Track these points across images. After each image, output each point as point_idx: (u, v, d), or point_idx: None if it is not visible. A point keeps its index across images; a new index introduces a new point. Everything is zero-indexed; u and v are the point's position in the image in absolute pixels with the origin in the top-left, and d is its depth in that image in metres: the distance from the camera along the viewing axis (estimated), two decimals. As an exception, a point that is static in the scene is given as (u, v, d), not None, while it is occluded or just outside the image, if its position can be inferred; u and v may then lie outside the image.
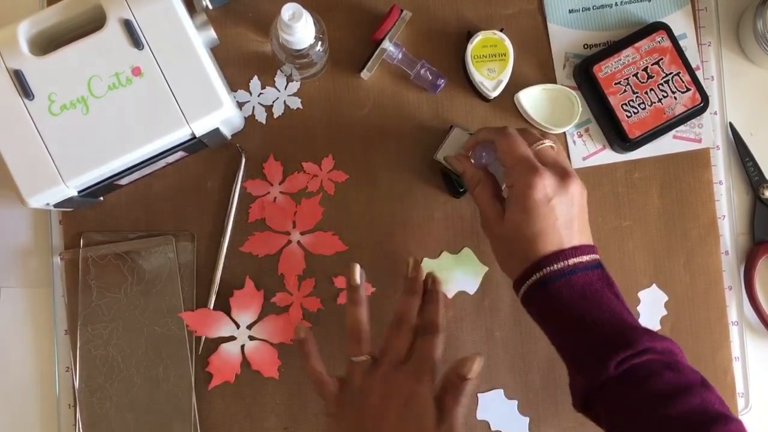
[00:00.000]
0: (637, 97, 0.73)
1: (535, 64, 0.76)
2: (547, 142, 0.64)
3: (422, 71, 0.73)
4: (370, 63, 0.73)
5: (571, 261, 0.59)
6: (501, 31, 0.73)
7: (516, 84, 0.75)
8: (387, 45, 0.72)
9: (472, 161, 0.67)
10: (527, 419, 0.74)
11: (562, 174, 0.61)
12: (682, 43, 0.74)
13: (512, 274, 0.62)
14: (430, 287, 0.68)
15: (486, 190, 0.65)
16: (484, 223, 0.65)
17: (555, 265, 0.59)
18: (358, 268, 0.66)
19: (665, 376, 0.55)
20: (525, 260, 0.60)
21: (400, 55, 0.73)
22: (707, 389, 0.56)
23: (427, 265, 0.74)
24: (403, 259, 0.69)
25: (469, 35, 0.73)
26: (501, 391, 0.74)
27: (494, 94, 0.73)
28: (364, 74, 0.74)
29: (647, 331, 0.58)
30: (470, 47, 0.73)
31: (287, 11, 0.63)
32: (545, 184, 0.60)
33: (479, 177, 0.66)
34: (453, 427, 0.60)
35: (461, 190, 0.73)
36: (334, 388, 0.64)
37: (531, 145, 0.63)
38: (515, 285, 0.62)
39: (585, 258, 0.59)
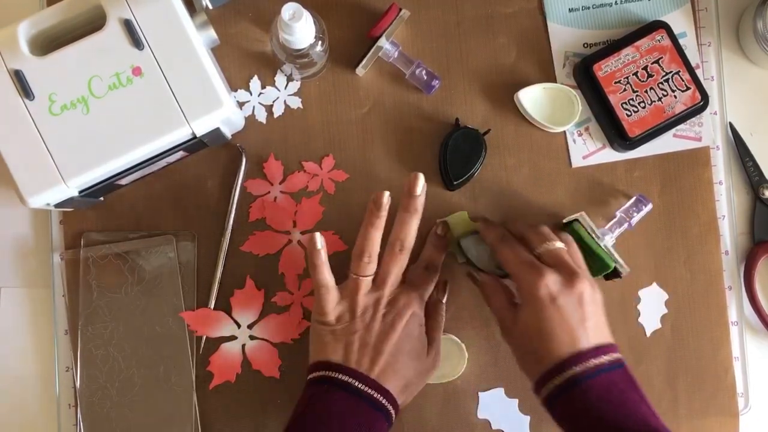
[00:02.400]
0: (636, 95, 0.73)
1: (535, 63, 0.76)
2: (557, 244, 0.64)
3: (417, 71, 0.73)
4: (365, 60, 0.73)
5: (591, 363, 0.59)
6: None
7: (516, 83, 0.75)
8: (383, 43, 0.72)
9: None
10: (528, 418, 0.74)
11: (568, 273, 0.61)
12: (681, 42, 0.74)
13: (531, 376, 0.62)
14: (440, 232, 0.71)
15: (499, 297, 0.66)
16: (501, 330, 0.66)
17: (575, 368, 0.59)
18: (387, 194, 0.65)
19: None
20: (541, 363, 0.60)
21: (396, 54, 0.73)
22: None
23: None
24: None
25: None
26: (501, 390, 0.74)
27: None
28: (359, 71, 0.74)
29: None
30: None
31: (287, 11, 0.63)
32: (548, 283, 0.61)
33: (493, 286, 0.67)
34: (437, 352, 0.67)
35: (455, 183, 0.73)
36: (336, 301, 0.65)
37: (538, 245, 0.65)
38: (535, 388, 0.62)
39: (605, 358, 0.59)
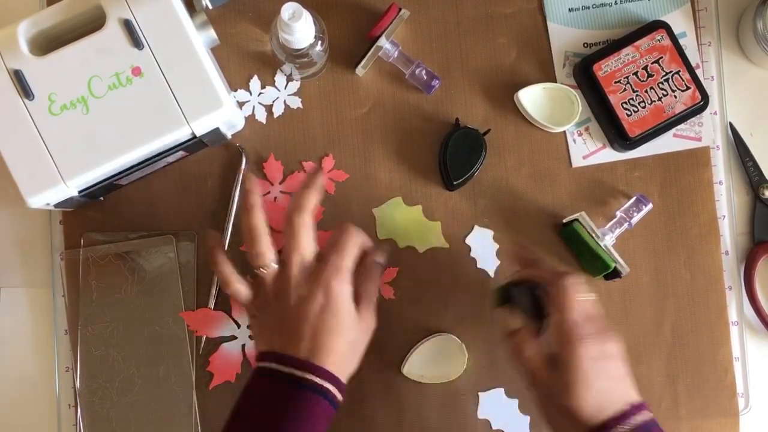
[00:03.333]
0: (636, 95, 0.73)
1: (535, 63, 0.76)
2: (592, 296, 0.62)
3: (417, 71, 0.73)
4: (365, 60, 0.73)
5: (639, 418, 0.58)
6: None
7: (516, 83, 0.75)
8: (383, 42, 0.72)
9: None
10: (528, 418, 0.74)
11: (606, 330, 0.60)
12: (681, 41, 0.74)
13: (564, 428, 0.60)
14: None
15: (533, 347, 0.62)
16: (532, 381, 0.62)
17: (624, 425, 0.57)
18: (253, 177, 0.64)
19: None
20: (581, 424, 0.58)
21: (396, 54, 0.73)
22: None
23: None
24: (405, 261, 0.69)
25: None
26: (502, 390, 0.74)
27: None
28: (359, 71, 0.74)
29: None
30: None
31: (287, 11, 0.63)
32: (589, 348, 0.59)
33: (524, 337, 0.63)
34: (371, 314, 0.64)
35: (455, 183, 0.73)
36: (248, 293, 0.64)
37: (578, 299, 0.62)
38: None
39: (642, 416, 0.58)
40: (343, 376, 0.62)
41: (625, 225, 0.72)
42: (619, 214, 0.73)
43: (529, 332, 0.63)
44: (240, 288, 0.64)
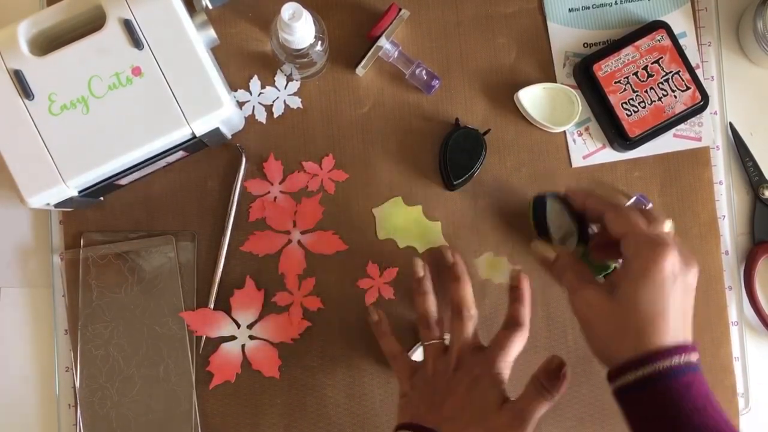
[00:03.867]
0: (637, 95, 0.73)
1: (535, 63, 0.76)
2: (669, 223, 0.59)
3: (417, 71, 0.73)
4: (365, 60, 0.73)
5: (693, 357, 0.54)
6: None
7: (516, 83, 0.75)
8: (383, 43, 0.72)
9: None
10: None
11: (687, 256, 0.56)
12: (681, 42, 0.74)
13: (616, 357, 0.55)
14: (514, 284, 0.67)
15: (582, 270, 0.60)
16: (580, 304, 0.58)
17: (674, 359, 0.53)
18: (420, 262, 0.69)
19: None
20: (640, 343, 0.54)
21: (396, 54, 0.73)
22: None
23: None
24: (412, 258, 0.70)
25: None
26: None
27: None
28: (359, 71, 0.74)
29: None
30: None
31: (287, 11, 0.63)
32: (675, 261, 0.54)
33: (569, 261, 0.61)
34: (517, 417, 0.59)
35: (455, 183, 0.73)
36: (409, 368, 0.67)
37: (651, 223, 0.58)
38: (616, 371, 0.55)
39: (695, 357, 0.54)
40: None
41: None
42: None
43: (570, 256, 0.61)
44: (406, 362, 0.68)
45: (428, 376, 0.65)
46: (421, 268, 0.69)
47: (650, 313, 0.54)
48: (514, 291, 0.67)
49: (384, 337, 0.70)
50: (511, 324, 0.65)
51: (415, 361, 0.68)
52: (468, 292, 0.67)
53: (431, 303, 0.68)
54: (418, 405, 0.64)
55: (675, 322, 0.54)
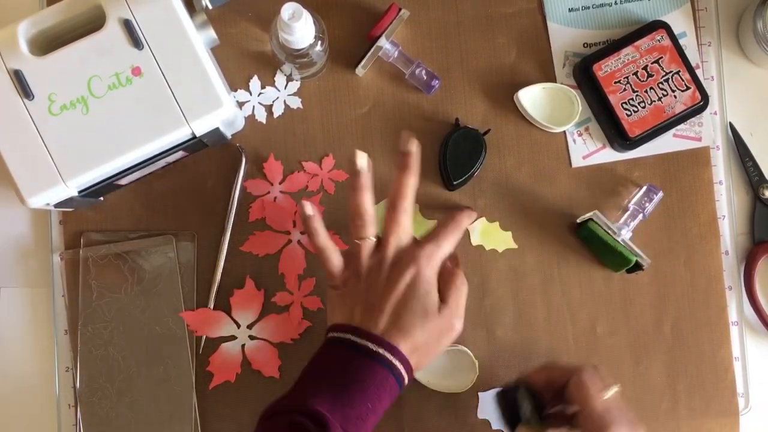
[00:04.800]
0: (636, 95, 0.73)
1: (535, 63, 0.76)
2: (615, 388, 0.62)
3: (417, 71, 0.73)
4: (365, 60, 0.73)
5: None
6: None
7: (516, 83, 0.75)
8: (383, 43, 0.72)
9: None
10: (528, 418, 0.74)
11: (632, 422, 0.60)
12: (681, 42, 0.74)
13: None
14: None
15: None
16: None
17: None
18: (364, 155, 0.65)
19: None
20: None
21: (396, 54, 0.73)
22: None
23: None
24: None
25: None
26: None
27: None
28: (359, 71, 0.74)
29: None
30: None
31: (287, 11, 0.63)
32: None
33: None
34: (453, 313, 0.63)
35: (455, 183, 0.73)
36: (340, 264, 0.65)
37: (600, 391, 0.62)
38: None
39: None
40: (414, 362, 0.61)
41: (640, 216, 0.73)
42: (631, 206, 0.73)
43: None
44: (334, 257, 0.65)
45: (361, 273, 0.63)
46: (363, 161, 0.64)
47: None
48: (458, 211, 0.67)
49: (315, 233, 0.65)
50: (448, 218, 0.66)
51: (346, 256, 0.65)
52: (411, 184, 0.64)
53: (368, 199, 0.65)
54: (352, 306, 0.63)
55: None
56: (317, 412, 0.55)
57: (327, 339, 0.62)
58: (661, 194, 0.73)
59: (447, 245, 0.65)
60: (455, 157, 0.73)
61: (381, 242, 0.65)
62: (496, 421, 0.73)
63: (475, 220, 0.74)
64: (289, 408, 0.57)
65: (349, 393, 0.58)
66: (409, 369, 0.61)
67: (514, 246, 0.75)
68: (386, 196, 0.74)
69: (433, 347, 0.63)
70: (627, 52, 0.73)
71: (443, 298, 0.63)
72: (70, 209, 0.73)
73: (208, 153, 0.74)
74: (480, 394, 0.74)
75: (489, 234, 0.75)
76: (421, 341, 0.61)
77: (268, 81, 0.75)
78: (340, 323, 0.63)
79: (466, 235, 0.75)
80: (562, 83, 0.75)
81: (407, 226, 0.65)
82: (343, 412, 0.57)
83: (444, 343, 0.63)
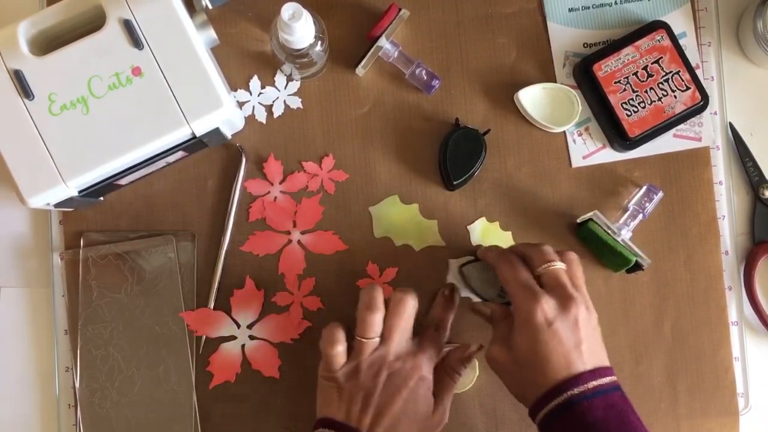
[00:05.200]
0: (636, 95, 0.73)
1: (535, 63, 0.76)
2: (557, 264, 0.64)
3: (417, 71, 0.73)
4: (365, 60, 0.73)
5: (591, 384, 0.59)
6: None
7: (516, 83, 0.75)
8: (383, 42, 0.72)
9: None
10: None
11: (564, 297, 0.62)
12: (681, 42, 0.74)
13: (526, 402, 0.62)
14: (447, 294, 0.72)
15: (504, 326, 0.65)
16: (490, 355, 0.64)
17: (574, 390, 0.58)
18: (378, 289, 0.66)
19: None
20: (538, 387, 0.60)
21: (396, 54, 0.73)
22: None
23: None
24: (402, 260, 0.70)
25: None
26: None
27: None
28: (359, 71, 0.74)
29: None
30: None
31: (287, 11, 0.63)
32: (544, 308, 0.61)
33: (501, 315, 0.67)
34: (444, 412, 0.66)
35: (455, 183, 0.73)
36: (344, 355, 0.65)
37: (538, 266, 0.64)
38: (531, 413, 0.62)
39: (604, 381, 0.59)
40: None
41: (640, 216, 0.73)
42: (631, 206, 0.73)
43: (503, 308, 0.67)
44: (341, 351, 0.65)
45: (361, 372, 0.64)
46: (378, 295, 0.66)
47: (536, 360, 0.60)
48: (445, 300, 0.72)
49: (336, 330, 0.66)
50: (441, 328, 0.70)
51: (350, 352, 0.66)
52: (413, 303, 0.66)
53: (380, 297, 0.65)
54: (349, 404, 0.63)
55: (562, 360, 0.60)
56: None
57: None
58: (661, 194, 0.73)
59: (442, 343, 0.68)
60: (455, 157, 0.73)
61: (384, 338, 0.65)
62: (462, 289, 0.74)
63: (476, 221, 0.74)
64: None
65: None
66: None
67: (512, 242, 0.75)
68: (387, 195, 0.75)
69: None
70: (627, 52, 0.73)
71: (437, 395, 0.66)
72: (70, 209, 0.73)
73: (208, 153, 0.74)
74: (450, 261, 0.74)
75: (489, 234, 0.75)
76: None
77: (268, 81, 0.75)
78: (338, 420, 0.63)
79: (466, 234, 0.75)
80: (562, 83, 0.75)
81: (409, 323, 0.66)
82: None
83: None
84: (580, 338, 0.61)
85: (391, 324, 0.65)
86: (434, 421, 0.65)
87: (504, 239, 0.75)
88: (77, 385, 0.73)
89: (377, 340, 0.65)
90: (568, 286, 0.63)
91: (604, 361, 0.62)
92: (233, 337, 0.73)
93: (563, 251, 0.66)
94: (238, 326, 0.74)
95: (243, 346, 0.73)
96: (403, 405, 0.63)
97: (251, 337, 0.74)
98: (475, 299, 0.73)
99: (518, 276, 0.63)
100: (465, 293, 0.74)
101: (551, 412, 0.59)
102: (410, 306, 0.65)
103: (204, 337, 0.73)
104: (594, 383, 0.59)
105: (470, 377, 0.73)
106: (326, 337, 0.65)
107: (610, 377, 0.60)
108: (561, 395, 0.59)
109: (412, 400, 0.63)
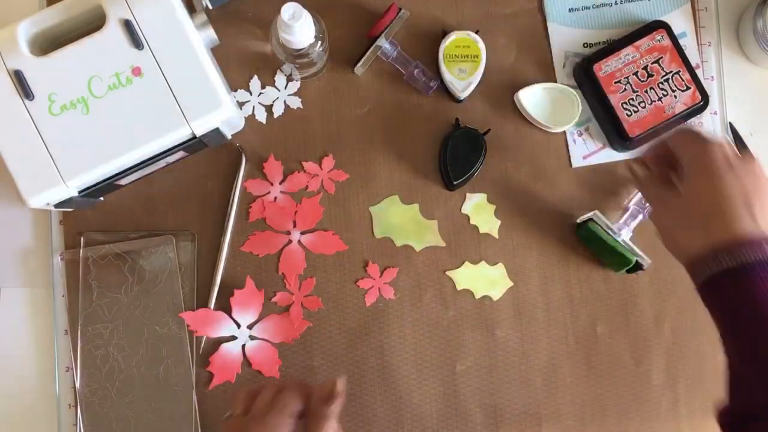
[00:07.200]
0: (637, 95, 0.73)
1: (535, 63, 0.76)
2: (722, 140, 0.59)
3: (416, 71, 0.74)
4: (364, 59, 0.73)
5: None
6: (476, 32, 0.73)
7: (516, 83, 0.75)
8: (382, 42, 0.72)
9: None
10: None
11: (741, 150, 0.58)
12: (681, 42, 0.74)
13: (689, 251, 0.56)
14: (339, 388, 0.61)
15: (654, 174, 0.62)
16: (655, 210, 0.61)
17: (753, 254, 0.52)
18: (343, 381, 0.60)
19: None
20: (711, 234, 0.54)
21: (395, 54, 0.73)
22: None
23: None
24: (402, 260, 0.69)
25: (444, 34, 0.74)
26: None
27: (464, 95, 0.73)
28: (358, 70, 0.74)
29: None
30: (443, 46, 0.73)
31: (287, 11, 0.63)
32: (724, 150, 0.56)
33: (643, 169, 0.64)
34: None
35: (455, 183, 0.73)
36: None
37: (703, 134, 0.59)
38: (694, 265, 0.56)
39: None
40: None
41: (640, 216, 0.73)
42: (632, 206, 0.73)
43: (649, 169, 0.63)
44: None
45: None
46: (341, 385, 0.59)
47: (714, 202, 0.55)
48: (332, 390, 0.60)
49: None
50: (297, 389, 0.61)
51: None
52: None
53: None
54: None
55: (739, 209, 0.54)
56: None
57: None
58: None
59: (294, 407, 0.59)
60: (455, 157, 0.73)
61: (247, 413, 0.59)
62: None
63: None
64: None
65: None
66: None
67: (496, 236, 0.75)
68: (387, 195, 0.75)
69: None
70: (627, 52, 0.73)
71: None
72: (70, 209, 0.72)
73: (208, 153, 0.74)
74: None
75: (480, 210, 0.74)
76: None
77: (268, 81, 0.75)
78: None
79: (458, 202, 0.75)
80: (562, 83, 0.75)
81: (269, 402, 0.59)
82: None
83: None
84: (764, 194, 0.55)
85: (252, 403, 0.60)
86: None
87: (491, 225, 0.75)
88: (77, 385, 0.73)
89: (238, 412, 0.60)
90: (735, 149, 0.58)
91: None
92: (233, 337, 0.73)
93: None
94: (239, 326, 0.74)
95: (243, 346, 0.73)
96: None
97: (251, 338, 0.73)
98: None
99: (693, 136, 0.58)
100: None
101: (722, 273, 0.53)
102: (269, 390, 0.60)
103: (204, 337, 0.73)
104: None
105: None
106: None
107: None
108: (735, 255, 0.53)
109: None
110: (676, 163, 0.60)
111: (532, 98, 0.75)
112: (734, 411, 0.52)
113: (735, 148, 0.58)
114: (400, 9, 0.73)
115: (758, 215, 0.54)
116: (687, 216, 0.57)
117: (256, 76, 0.75)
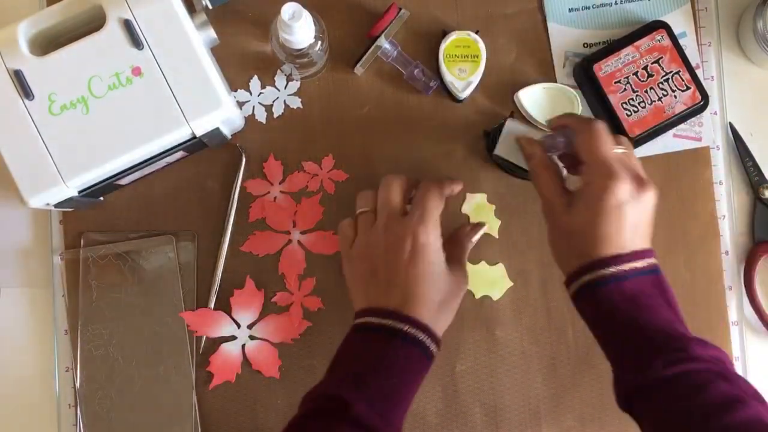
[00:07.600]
0: (637, 95, 0.73)
1: (535, 63, 0.76)
2: (623, 149, 0.63)
3: (416, 72, 0.74)
4: (364, 59, 0.73)
5: (627, 266, 0.58)
6: (476, 32, 0.73)
7: (516, 83, 0.75)
8: (382, 42, 0.72)
9: (541, 146, 0.66)
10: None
11: (639, 181, 0.60)
12: (681, 42, 0.74)
13: (565, 269, 0.62)
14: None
15: (554, 178, 0.64)
16: (546, 210, 0.64)
17: (608, 269, 0.58)
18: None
19: (719, 386, 0.54)
20: (581, 257, 0.60)
21: (395, 54, 0.73)
22: (761, 402, 0.54)
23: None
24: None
25: (444, 34, 0.74)
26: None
27: (464, 95, 0.73)
28: (358, 70, 0.74)
29: (698, 340, 0.58)
30: (443, 46, 0.73)
31: (287, 11, 0.63)
32: (623, 190, 0.59)
33: (547, 163, 0.65)
34: (459, 269, 0.67)
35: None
36: (351, 239, 0.67)
37: (612, 143, 0.62)
38: (567, 280, 0.62)
39: (640, 263, 0.59)
40: (437, 327, 0.62)
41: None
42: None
43: (552, 163, 0.65)
44: (348, 232, 0.67)
45: (362, 247, 0.65)
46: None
47: (593, 235, 0.59)
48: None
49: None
50: (423, 185, 0.67)
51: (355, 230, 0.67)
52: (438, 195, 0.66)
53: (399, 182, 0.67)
54: (367, 289, 0.64)
55: (618, 240, 0.59)
56: (338, 396, 0.57)
57: (352, 327, 0.63)
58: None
59: (432, 204, 0.65)
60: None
61: (376, 214, 0.66)
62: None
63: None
64: (314, 395, 0.59)
65: (373, 374, 0.59)
66: (434, 336, 0.61)
67: (496, 236, 0.75)
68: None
69: (450, 304, 0.64)
70: (627, 52, 0.73)
71: (448, 258, 0.65)
72: (70, 209, 0.73)
73: (208, 153, 0.74)
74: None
75: (481, 210, 0.74)
76: (437, 303, 0.62)
77: (268, 81, 0.75)
78: (361, 308, 0.64)
79: (458, 201, 0.75)
80: (562, 83, 0.75)
81: (396, 195, 0.65)
82: (368, 393, 0.58)
83: (458, 297, 0.65)
84: (640, 221, 0.60)
85: (378, 203, 0.66)
86: (452, 279, 0.64)
87: (493, 224, 0.75)
88: (77, 385, 0.73)
89: (369, 210, 0.66)
90: (640, 170, 0.62)
91: (647, 243, 0.61)
92: (233, 337, 0.73)
93: (617, 136, 0.64)
94: (239, 326, 0.74)
95: (243, 346, 0.73)
96: (408, 270, 0.62)
97: (251, 337, 0.74)
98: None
99: (604, 147, 0.61)
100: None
101: (581, 286, 0.60)
102: (393, 181, 0.66)
103: (204, 337, 0.73)
104: (629, 265, 0.58)
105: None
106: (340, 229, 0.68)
107: (648, 260, 0.59)
108: (595, 272, 0.59)
109: (419, 263, 0.62)
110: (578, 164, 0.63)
111: (532, 98, 0.75)
112: (624, 392, 0.58)
113: (641, 167, 0.62)
114: (400, 9, 0.73)
115: (633, 237, 0.60)
116: (569, 236, 0.61)
117: (256, 76, 0.75)
